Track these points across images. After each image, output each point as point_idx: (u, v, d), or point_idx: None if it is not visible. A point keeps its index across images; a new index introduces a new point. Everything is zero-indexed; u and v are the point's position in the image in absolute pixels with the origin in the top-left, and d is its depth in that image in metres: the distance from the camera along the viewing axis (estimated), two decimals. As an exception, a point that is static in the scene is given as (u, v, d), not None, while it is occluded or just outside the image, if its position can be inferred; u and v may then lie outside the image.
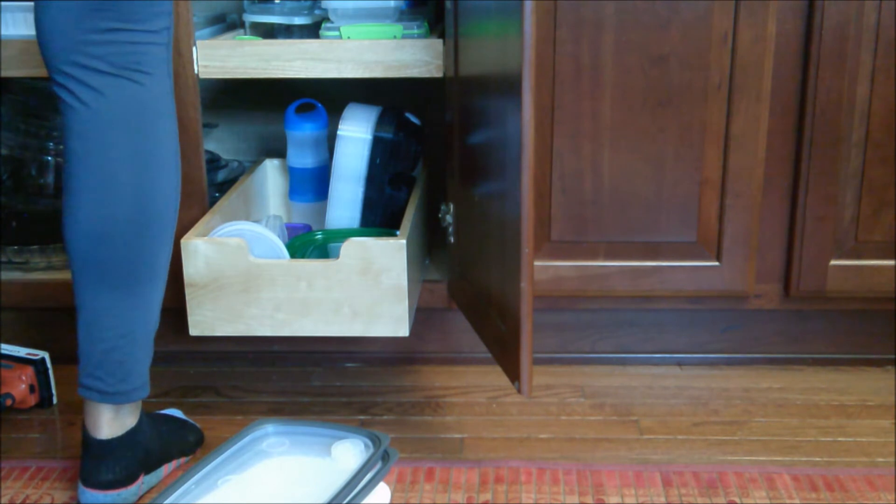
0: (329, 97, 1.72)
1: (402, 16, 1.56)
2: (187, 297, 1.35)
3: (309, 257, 1.51)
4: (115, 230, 1.15)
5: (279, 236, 1.45)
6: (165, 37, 1.17)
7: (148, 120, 1.16)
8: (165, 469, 1.32)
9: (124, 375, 1.20)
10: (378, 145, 1.53)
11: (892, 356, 1.64)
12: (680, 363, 1.66)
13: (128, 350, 1.20)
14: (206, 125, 1.68)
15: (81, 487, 1.22)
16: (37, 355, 1.52)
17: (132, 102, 1.14)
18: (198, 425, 1.42)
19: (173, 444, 1.34)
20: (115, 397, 1.20)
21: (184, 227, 1.47)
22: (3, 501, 1.28)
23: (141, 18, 1.13)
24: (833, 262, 1.54)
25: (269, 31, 1.61)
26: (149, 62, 1.15)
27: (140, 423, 1.25)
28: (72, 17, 1.11)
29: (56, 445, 1.43)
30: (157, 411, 1.41)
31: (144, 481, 1.27)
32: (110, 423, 1.21)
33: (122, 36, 1.12)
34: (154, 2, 1.14)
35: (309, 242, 1.53)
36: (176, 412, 1.43)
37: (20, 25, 1.53)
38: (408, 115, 1.59)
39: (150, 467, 1.28)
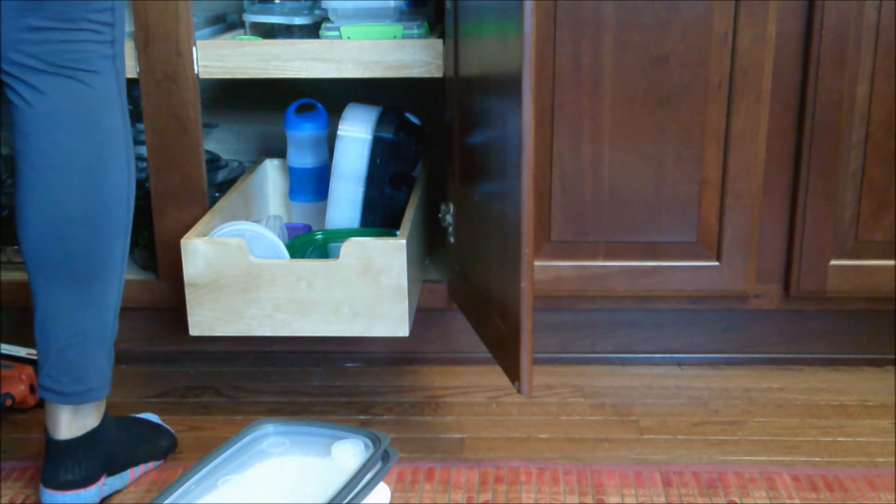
0: (329, 97, 1.72)
1: (402, 16, 1.56)
2: (187, 297, 1.35)
3: (309, 257, 1.51)
4: (66, 229, 1.14)
5: (279, 236, 1.45)
6: (108, 34, 1.15)
7: (94, 118, 1.15)
8: (132, 473, 1.31)
9: (79, 375, 1.19)
10: (378, 145, 1.53)
11: (892, 356, 1.64)
12: (680, 363, 1.66)
13: (81, 349, 1.18)
14: (206, 125, 1.69)
15: (41, 487, 1.22)
16: (37, 355, 1.51)
17: (75, 101, 1.13)
18: (172, 430, 1.40)
19: (142, 448, 1.33)
20: (72, 398, 1.19)
21: (184, 227, 1.48)
22: (3, 501, 1.28)
23: (72, 17, 1.11)
24: (833, 262, 1.54)
25: (269, 31, 1.61)
26: (88, 60, 1.14)
27: (103, 424, 1.24)
28: (3, 16, 1.09)
29: (56, 445, 1.43)
30: (132, 415, 1.41)
31: (107, 483, 1.26)
32: (69, 423, 1.20)
33: (55, 35, 1.11)
34: (88, 2, 1.12)
35: (309, 242, 1.53)
36: (152, 416, 1.42)
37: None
38: (408, 115, 1.59)
39: (113, 470, 1.27)
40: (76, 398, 1.19)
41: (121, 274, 1.21)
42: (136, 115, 1.70)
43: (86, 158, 1.14)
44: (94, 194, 1.15)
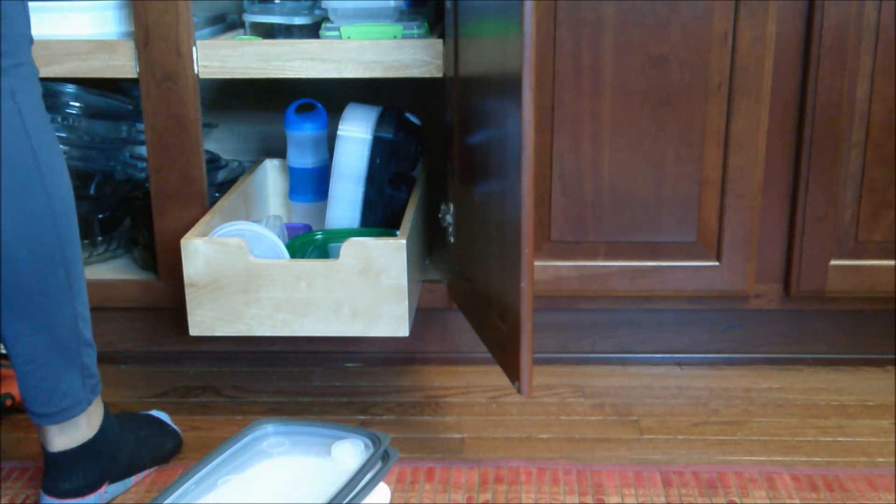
0: (329, 97, 1.72)
1: (402, 16, 1.56)
2: (187, 297, 1.35)
3: (309, 257, 1.51)
4: None
5: (279, 236, 1.45)
6: None
7: None
8: (136, 478, 1.31)
9: (47, 398, 1.17)
10: (378, 145, 1.53)
11: (892, 356, 1.64)
12: (680, 363, 1.66)
13: (42, 374, 1.16)
14: (206, 125, 1.69)
15: (42, 493, 1.22)
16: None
17: None
18: (179, 431, 1.40)
19: (147, 452, 1.32)
20: (45, 418, 1.18)
21: (184, 227, 1.48)
22: (3, 501, 1.28)
23: None
24: (833, 262, 1.54)
25: (269, 31, 1.61)
26: None
27: (102, 432, 1.23)
28: None
29: (56, 445, 1.43)
30: (142, 412, 1.41)
31: (109, 490, 1.25)
32: (58, 438, 1.20)
33: None
34: None
35: (309, 242, 1.53)
36: (161, 414, 1.41)
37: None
38: (408, 115, 1.59)
39: (116, 477, 1.27)
40: (49, 419, 1.18)
41: (70, 293, 1.15)
42: (136, 115, 1.71)
43: None
44: (12, 222, 1.08)
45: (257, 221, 1.52)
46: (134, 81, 1.50)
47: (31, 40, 1.11)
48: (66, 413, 1.18)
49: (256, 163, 1.75)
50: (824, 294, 1.56)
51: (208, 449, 1.38)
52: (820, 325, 1.63)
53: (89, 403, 1.21)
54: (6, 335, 1.14)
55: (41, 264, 1.12)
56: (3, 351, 1.52)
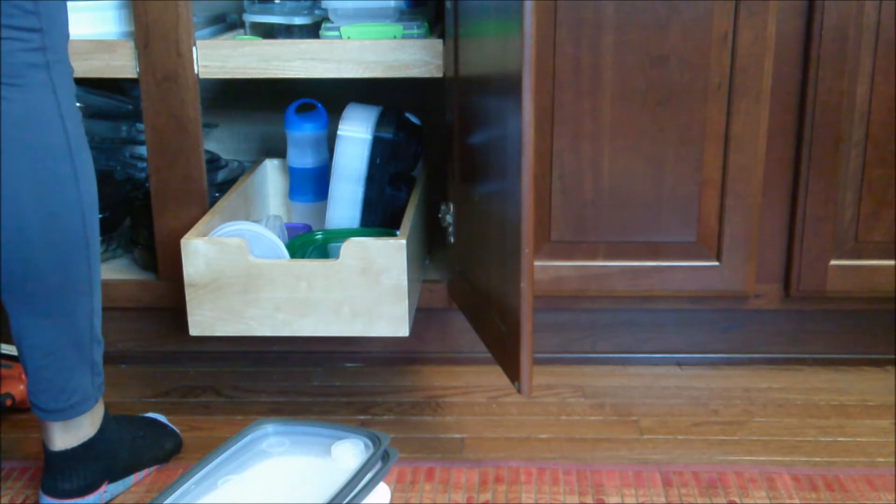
0: (329, 97, 1.72)
1: (402, 16, 1.56)
2: (187, 297, 1.35)
3: (309, 257, 1.51)
4: (22, 251, 1.10)
5: (279, 236, 1.45)
6: (36, 41, 1.06)
7: (26, 136, 1.07)
8: (135, 477, 1.31)
9: (57, 393, 1.17)
10: (378, 145, 1.53)
11: (892, 356, 1.64)
12: (680, 363, 1.66)
13: (57, 368, 1.16)
14: (206, 125, 1.69)
15: (41, 493, 1.22)
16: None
17: (4, 120, 1.06)
18: (178, 431, 1.40)
19: (146, 452, 1.32)
20: (54, 415, 1.18)
21: (184, 227, 1.48)
22: (3, 501, 1.28)
23: None
24: (833, 262, 1.54)
25: (269, 31, 1.61)
26: (13, 72, 1.06)
27: (102, 431, 1.23)
28: None
29: (56, 445, 1.43)
30: (139, 415, 1.41)
31: (108, 489, 1.25)
32: (61, 436, 1.20)
33: None
34: (11, 1, 1.03)
35: (309, 242, 1.53)
36: (158, 416, 1.41)
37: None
38: (408, 115, 1.59)
39: (115, 476, 1.27)
40: (58, 415, 1.18)
41: (90, 288, 1.17)
42: (136, 115, 1.71)
43: (25, 178, 1.08)
44: (42, 213, 1.10)
45: (257, 221, 1.52)
46: (134, 81, 1.50)
47: (67, 38, 1.13)
48: (74, 409, 1.19)
49: (256, 163, 1.75)
50: (824, 294, 1.56)
51: (208, 449, 1.38)
52: (820, 325, 1.64)
53: (96, 401, 1.22)
54: (23, 328, 1.15)
55: (67, 257, 1.13)
56: (4, 352, 1.52)
